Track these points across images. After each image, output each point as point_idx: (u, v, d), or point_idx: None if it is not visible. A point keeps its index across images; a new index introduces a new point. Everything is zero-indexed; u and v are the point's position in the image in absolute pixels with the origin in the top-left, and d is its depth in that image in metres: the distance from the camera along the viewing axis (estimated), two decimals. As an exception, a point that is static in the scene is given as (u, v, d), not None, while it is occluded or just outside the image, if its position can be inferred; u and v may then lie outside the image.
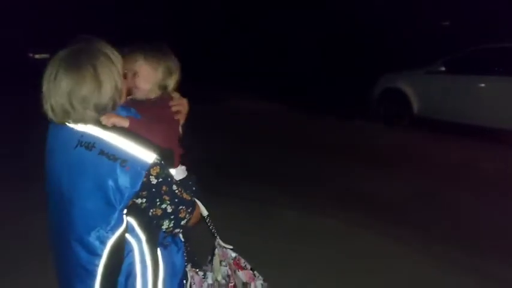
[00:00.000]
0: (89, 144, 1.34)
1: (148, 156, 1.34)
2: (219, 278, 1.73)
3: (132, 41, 1.67)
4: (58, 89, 1.32)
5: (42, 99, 1.35)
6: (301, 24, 14.60)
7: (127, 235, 1.36)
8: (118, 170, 1.30)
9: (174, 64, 1.69)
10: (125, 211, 1.34)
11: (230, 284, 1.72)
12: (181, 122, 1.72)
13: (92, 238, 1.33)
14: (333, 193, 4.84)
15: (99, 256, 1.33)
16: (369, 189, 4.91)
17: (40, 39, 13.03)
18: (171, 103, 1.69)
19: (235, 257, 1.74)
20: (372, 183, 5.11)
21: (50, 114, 1.36)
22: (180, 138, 1.71)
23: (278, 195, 4.75)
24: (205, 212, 1.66)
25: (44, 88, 1.35)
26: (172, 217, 1.41)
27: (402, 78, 8.27)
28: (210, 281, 1.72)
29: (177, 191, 1.42)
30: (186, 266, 1.63)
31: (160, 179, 1.36)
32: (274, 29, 14.79)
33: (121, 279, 1.38)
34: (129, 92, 1.62)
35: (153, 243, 1.42)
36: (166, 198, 1.38)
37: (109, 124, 1.37)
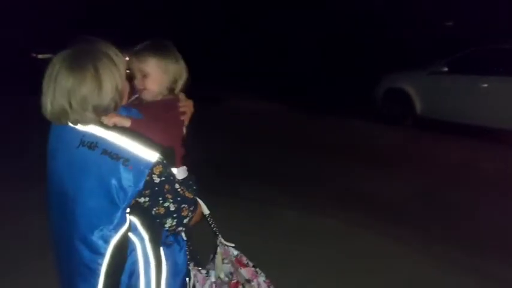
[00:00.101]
0: (91, 144, 1.35)
1: (151, 155, 1.34)
2: (222, 275, 1.74)
3: (140, 40, 1.67)
4: (58, 89, 1.32)
5: (42, 99, 1.36)
6: (301, 24, 14.61)
7: (130, 234, 1.37)
8: (121, 169, 1.31)
9: (183, 67, 1.70)
10: (128, 210, 1.35)
11: (233, 281, 1.73)
12: (186, 123, 1.73)
13: (95, 237, 1.33)
14: (333, 193, 4.84)
15: (103, 255, 1.34)
16: (369, 189, 4.92)
17: (43, 40, 13.00)
18: (178, 104, 1.70)
19: (237, 255, 1.76)
20: (372, 183, 5.11)
21: (48, 114, 1.36)
22: (184, 139, 1.71)
23: (278, 195, 4.75)
24: (206, 211, 1.67)
25: (44, 88, 1.35)
26: (175, 215, 1.42)
27: (405, 79, 8.29)
28: (213, 278, 1.73)
29: (179, 190, 1.43)
30: (188, 265, 1.64)
31: (163, 178, 1.37)
32: (274, 29, 14.81)
33: (124, 278, 1.39)
34: (131, 94, 1.62)
35: (156, 242, 1.43)
36: (169, 196, 1.39)
37: (110, 124, 1.38)
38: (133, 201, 1.34)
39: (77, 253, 1.36)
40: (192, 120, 1.76)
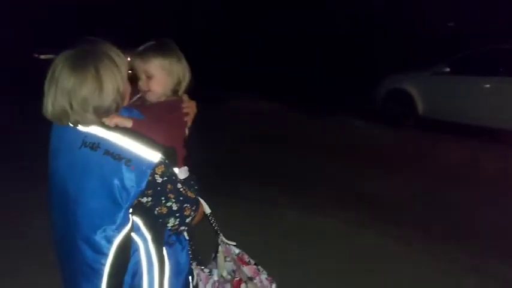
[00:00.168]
0: (93, 144, 1.35)
1: (153, 155, 1.35)
2: (224, 273, 1.75)
3: (140, 40, 1.67)
4: (59, 89, 1.32)
5: (44, 100, 1.36)
6: (301, 24, 14.61)
7: (133, 234, 1.38)
8: (123, 169, 1.31)
9: (186, 67, 1.70)
10: (131, 210, 1.35)
11: (235, 279, 1.74)
12: (188, 124, 1.73)
13: (98, 237, 1.34)
14: (333, 193, 4.84)
15: (106, 255, 1.34)
16: (369, 189, 4.92)
17: (45, 40, 12.97)
18: (182, 106, 1.71)
19: (239, 253, 1.77)
20: (372, 183, 5.11)
21: (49, 115, 1.36)
22: (186, 140, 1.72)
23: (278, 195, 4.75)
24: (208, 210, 1.67)
25: (46, 88, 1.35)
26: (177, 215, 1.43)
27: (407, 79, 8.29)
28: (215, 277, 1.74)
29: (181, 189, 1.43)
30: (191, 264, 1.65)
31: (165, 178, 1.38)
32: (274, 29, 14.80)
33: (127, 278, 1.40)
34: (132, 95, 1.62)
35: (159, 242, 1.43)
36: (171, 196, 1.40)
37: (112, 124, 1.38)
38: (135, 201, 1.35)
39: (80, 253, 1.37)
40: (194, 121, 1.76)
